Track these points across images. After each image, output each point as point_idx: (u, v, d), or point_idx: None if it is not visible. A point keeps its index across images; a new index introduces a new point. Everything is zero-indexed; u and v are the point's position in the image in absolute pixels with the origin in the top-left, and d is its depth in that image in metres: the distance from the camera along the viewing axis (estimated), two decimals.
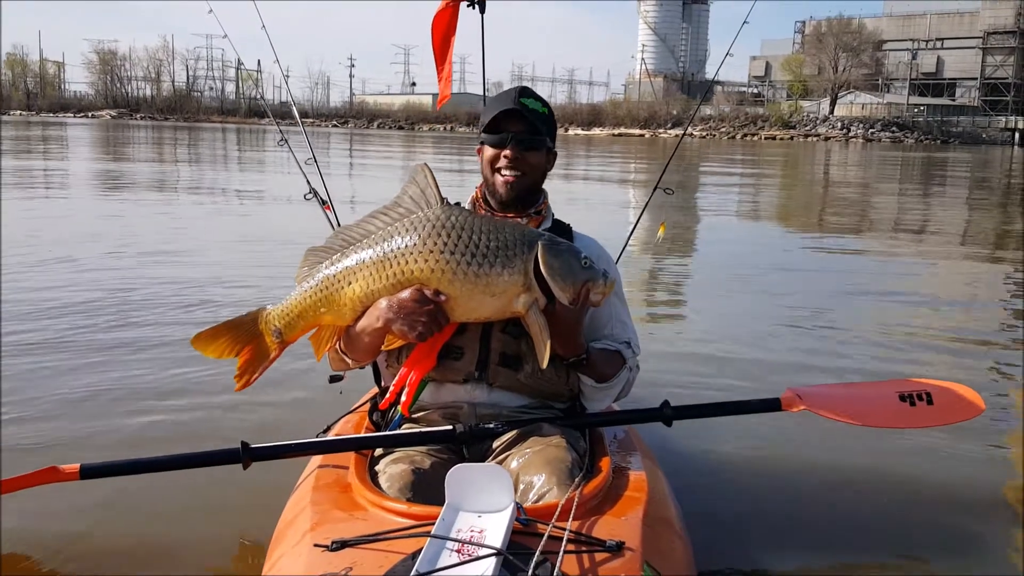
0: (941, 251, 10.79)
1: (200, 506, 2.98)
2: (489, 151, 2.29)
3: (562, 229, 2.39)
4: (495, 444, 2.18)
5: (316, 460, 2.22)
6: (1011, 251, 10.86)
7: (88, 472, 2.12)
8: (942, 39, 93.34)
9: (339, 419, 2.68)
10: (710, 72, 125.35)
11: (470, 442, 2.18)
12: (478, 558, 1.37)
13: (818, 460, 3.55)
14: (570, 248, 2.06)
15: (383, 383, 2.54)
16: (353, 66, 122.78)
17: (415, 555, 1.44)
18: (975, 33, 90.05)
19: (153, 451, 2.54)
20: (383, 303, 2.03)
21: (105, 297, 6.16)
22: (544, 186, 2.39)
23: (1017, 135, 74.20)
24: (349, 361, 2.26)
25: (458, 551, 1.42)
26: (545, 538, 1.44)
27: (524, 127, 2.25)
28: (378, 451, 2.20)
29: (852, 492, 3.31)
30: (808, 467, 3.52)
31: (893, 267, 9.30)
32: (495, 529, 1.47)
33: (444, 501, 1.85)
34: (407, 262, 1.99)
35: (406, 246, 1.99)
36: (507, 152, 2.25)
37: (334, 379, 3.05)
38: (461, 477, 1.56)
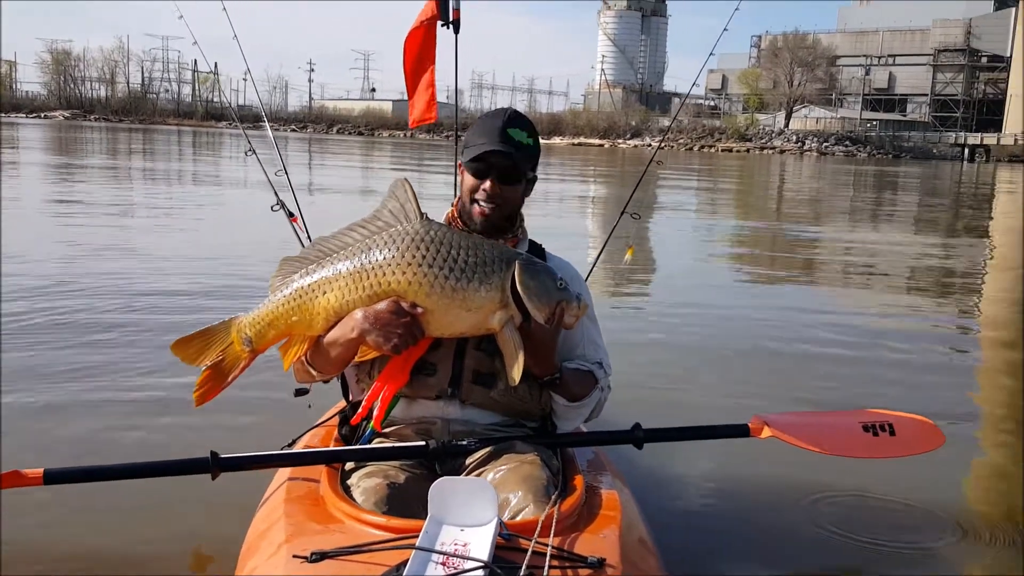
0: (889, 280, 11.00)
1: (165, 515, 2.94)
2: (470, 180, 2.28)
3: (536, 250, 2.41)
4: (468, 461, 2.17)
5: (285, 472, 2.20)
6: (958, 279, 11.11)
7: (52, 477, 2.07)
8: (894, 55, 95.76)
9: (304, 433, 2.66)
10: (668, 84, 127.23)
11: (443, 458, 2.17)
12: (465, 571, 1.38)
13: (782, 483, 3.58)
14: (546, 269, 2.08)
15: (352, 397, 2.53)
16: (312, 70, 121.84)
17: (399, 568, 1.45)
18: (926, 50, 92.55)
19: (105, 458, 2.52)
20: (358, 314, 2.03)
21: (72, 302, 6.06)
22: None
23: (967, 151, 76.15)
24: (315, 373, 2.25)
25: (443, 564, 1.42)
26: (530, 553, 1.45)
27: (507, 163, 2.25)
28: (348, 465, 2.18)
29: (816, 514, 3.34)
30: (772, 490, 3.55)
31: (840, 293, 9.46)
32: (480, 543, 1.47)
33: (418, 515, 1.85)
34: (385, 274, 1.99)
35: (385, 258, 1.99)
36: (486, 185, 2.25)
37: (299, 392, 3.03)
38: (444, 490, 1.57)
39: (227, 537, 2.74)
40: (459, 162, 2.39)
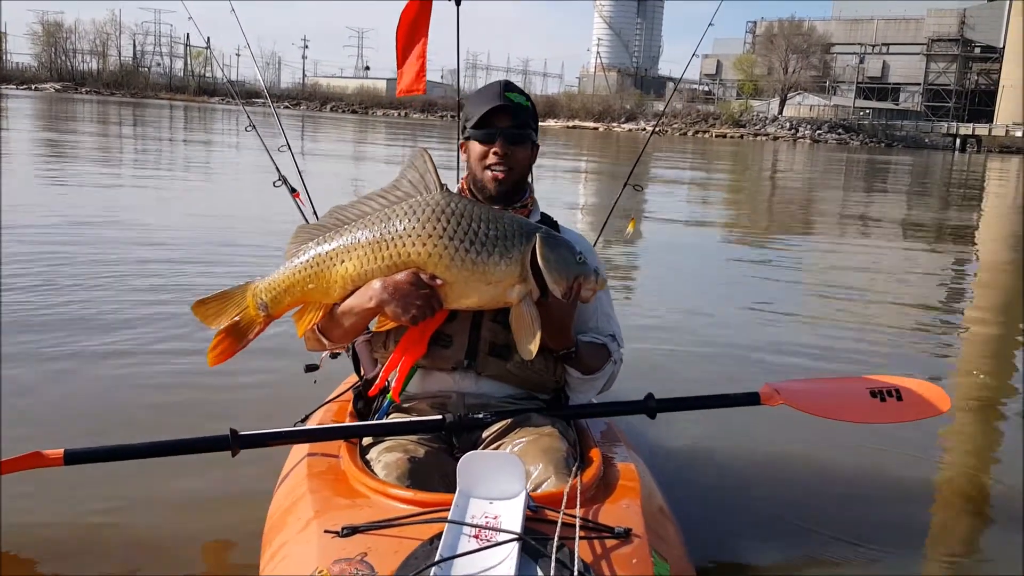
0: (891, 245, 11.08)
1: (183, 491, 2.95)
2: (477, 147, 2.30)
3: (549, 223, 2.42)
4: (485, 434, 2.20)
5: (302, 449, 2.22)
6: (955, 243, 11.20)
7: (73, 457, 2.09)
8: (888, 44, 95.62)
9: (317, 408, 2.67)
10: (663, 68, 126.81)
11: (459, 432, 2.19)
12: (498, 543, 1.40)
13: (790, 452, 3.66)
14: (566, 243, 2.08)
15: (364, 373, 2.55)
16: (306, 47, 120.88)
17: (432, 541, 1.46)
18: (920, 40, 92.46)
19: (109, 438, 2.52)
20: (377, 284, 2.04)
21: (76, 273, 6.05)
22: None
23: (958, 141, 76.32)
24: (326, 343, 2.26)
25: (475, 536, 1.44)
26: (559, 524, 1.47)
27: (511, 122, 2.28)
28: (366, 440, 2.21)
29: (830, 483, 3.43)
30: (781, 458, 3.61)
31: (845, 260, 9.55)
32: (510, 515, 1.49)
33: (438, 489, 1.88)
34: (405, 244, 2.00)
35: (405, 229, 2.00)
36: (496, 148, 2.26)
37: (310, 368, 3.04)
38: (473, 464, 1.58)
39: (245, 514, 2.79)
40: (460, 140, 2.40)
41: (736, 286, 7.73)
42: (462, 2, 3.37)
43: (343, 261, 2.07)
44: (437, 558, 1.39)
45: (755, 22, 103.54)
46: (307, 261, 2.12)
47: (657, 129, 4.70)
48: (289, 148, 3.91)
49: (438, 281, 2.00)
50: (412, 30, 3.40)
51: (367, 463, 2.05)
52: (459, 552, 1.37)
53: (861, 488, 3.39)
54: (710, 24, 4.08)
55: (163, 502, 2.89)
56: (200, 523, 2.80)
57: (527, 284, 2.02)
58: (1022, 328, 7.01)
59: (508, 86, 2.33)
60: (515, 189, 2.34)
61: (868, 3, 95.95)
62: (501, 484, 1.56)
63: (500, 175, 2.28)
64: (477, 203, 2.09)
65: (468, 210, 2.02)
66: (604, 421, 2.46)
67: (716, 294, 7.32)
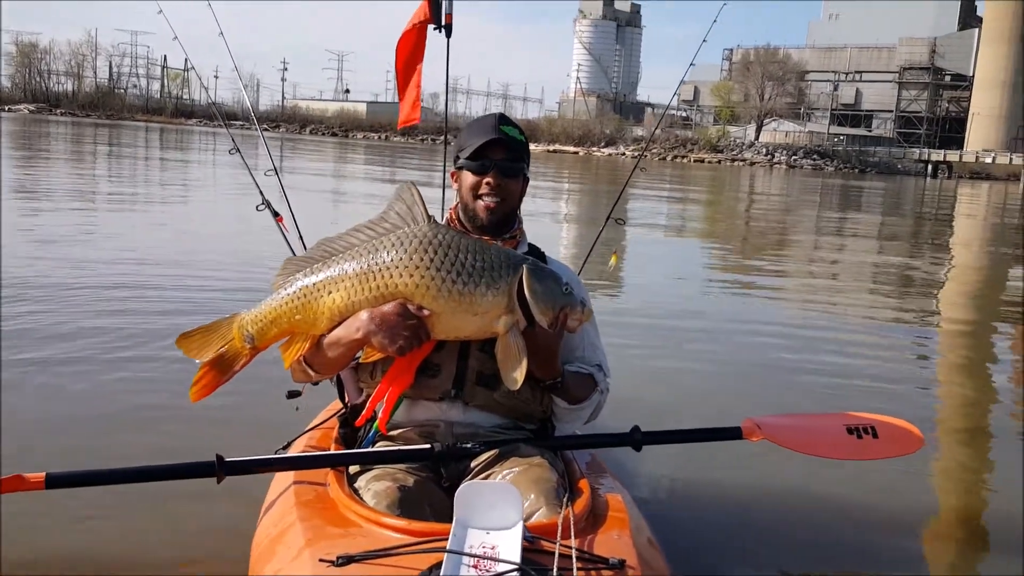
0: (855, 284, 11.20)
1: (164, 517, 2.94)
2: (470, 177, 2.32)
3: (536, 254, 2.44)
4: (473, 464, 2.20)
5: (288, 476, 2.20)
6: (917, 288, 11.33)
7: (54, 481, 2.05)
8: (861, 72, 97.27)
9: (299, 436, 2.66)
10: (641, 94, 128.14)
11: (448, 461, 2.19)
12: (498, 574, 1.39)
13: (769, 483, 3.68)
14: (553, 274, 2.09)
15: (349, 400, 2.54)
16: (286, 69, 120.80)
17: (431, 571, 1.46)
18: (892, 68, 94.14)
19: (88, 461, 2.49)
20: (364, 315, 2.03)
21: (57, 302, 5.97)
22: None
23: (930, 167, 77.52)
24: (312, 374, 2.25)
25: (474, 567, 1.44)
26: (557, 555, 1.47)
27: (505, 155, 2.30)
28: (352, 468, 2.20)
29: (811, 513, 3.46)
30: (760, 489, 3.63)
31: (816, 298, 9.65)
32: (508, 545, 1.49)
33: (428, 518, 1.87)
34: (392, 275, 2.00)
35: (392, 260, 2.00)
36: (489, 179, 2.29)
37: (292, 395, 3.02)
38: (470, 494, 1.58)
39: (225, 540, 2.75)
40: (452, 170, 2.42)
41: (707, 312, 7.80)
42: (452, 34, 3.41)
43: (330, 292, 2.07)
44: None
45: (731, 49, 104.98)
46: (294, 292, 2.11)
47: (639, 164, 4.71)
48: (276, 172, 3.90)
49: (425, 312, 2.00)
50: (411, 61, 3.43)
51: (355, 491, 2.04)
52: None
53: (842, 517, 3.42)
54: (691, 64, 4.16)
55: (142, 527, 2.87)
56: (178, 549, 2.79)
57: (514, 314, 2.03)
58: (994, 350, 7.11)
59: (503, 119, 2.35)
60: (505, 220, 2.36)
61: (841, 31, 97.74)
62: (498, 514, 1.55)
63: (492, 205, 2.30)
64: (464, 234, 2.10)
65: (455, 241, 2.02)
66: (589, 452, 2.47)
67: (690, 319, 7.37)
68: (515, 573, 1.38)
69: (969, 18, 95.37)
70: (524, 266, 2.03)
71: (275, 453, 2.49)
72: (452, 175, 2.42)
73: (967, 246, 17.78)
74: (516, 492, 1.59)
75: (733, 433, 2.54)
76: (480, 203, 2.30)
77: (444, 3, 3.36)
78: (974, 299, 10.26)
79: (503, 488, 1.58)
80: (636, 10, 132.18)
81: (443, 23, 3.38)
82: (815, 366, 5.93)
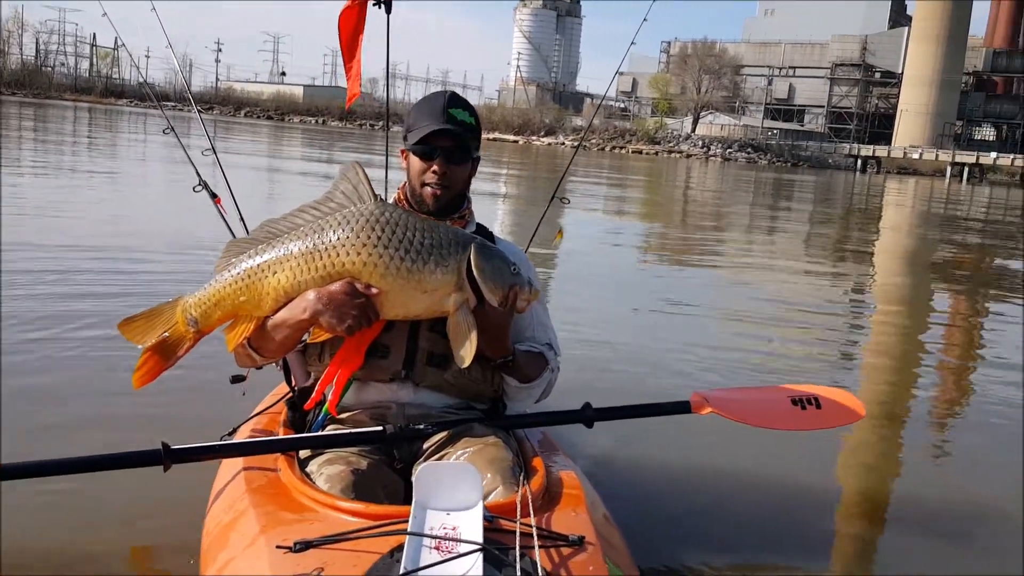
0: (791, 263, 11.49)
1: (105, 507, 2.88)
2: (417, 163, 2.30)
3: (484, 234, 2.43)
4: (426, 445, 2.18)
5: (235, 463, 2.16)
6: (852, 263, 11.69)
7: (6, 473, 1.99)
8: (794, 68, 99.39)
9: (245, 421, 2.61)
10: (580, 84, 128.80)
11: (400, 443, 2.17)
12: (460, 555, 1.39)
13: (715, 456, 3.78)
14: (500, 253, 2.10)
15: (295, 384, 2.50)
16: (220, 50, 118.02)
17: (393, 553, 1.44)
18: (824, 64, 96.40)
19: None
20: (311, 295, 2.01)
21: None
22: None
23: (860, 162, 79.68)
24: (257, 358, 2.22)
25: (436, 548, 1.43)
26: (518, 533, 1.47)
27: (452, 142, 2.27)
28: (303, 453, 2.17)
29: (753, 487, 3.56)
30: (707, 463, 3.73)
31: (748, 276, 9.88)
32: (469, 525, 1.48)
33: (382, 501, 1.86)
34: (339, 254, 1.98)
35: (339, 239, 1.98)
36: (435, 167, 2.27)
37: (236, 379, 2.97)
38: (429, 475, 1.57)
39: (169, 530, 2.69)
40: (402, 148, 2.40)
41: (650, 291, 7.96)
42: (391, 9, 3.36)
43: (275, 273, 2.04)
44: (402, 571, 1.36)
45: (669, 42, 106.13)
46: (238, 274, 2.08)
47: (581, 144, 4.76)
48: (214, 151, 3.80)
49: (373, 290, 1.99)
50: (354, 36, 3.37)
51: (307, 476, 2.01)
52: (423, 564, 1.35)
53: (793, 491, 3.55)
54: (631, 44, 4.19)
55: (89, 517, 2.81)
56: (126, 534, 2.74)
57: (463, 292, 2.02)
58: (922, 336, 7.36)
59: (453, 101, 2.31)
60: (453, 203, 2.34)
61: (776, 27, 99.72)
62: (458, 495, 1.54)
63: (438, 191, 2.28)
64: (411, 213, 2.09)
65: (403, 219, 2.01)
66: (540, 430, 2.48)
67: (633, 300, 7.48)
68: (477, 553, 1.37)
69: (899, 16, 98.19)
70: (472, 244, 2.04)
71: (221, 439, 2.45)
72: (402, 153, 2.39)
73: (896, 230, 18.38)
74: (476, 472, 1.59)
75: (682, 407, 2.61)
76: (427, 190, 2.28)
77: None
78: (904, 277, 10.62)
79: (462, 468, 1.58)
80: (576, 0, 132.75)
81: None
82: (752, 342, 6.09)
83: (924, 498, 3.64)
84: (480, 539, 1.42)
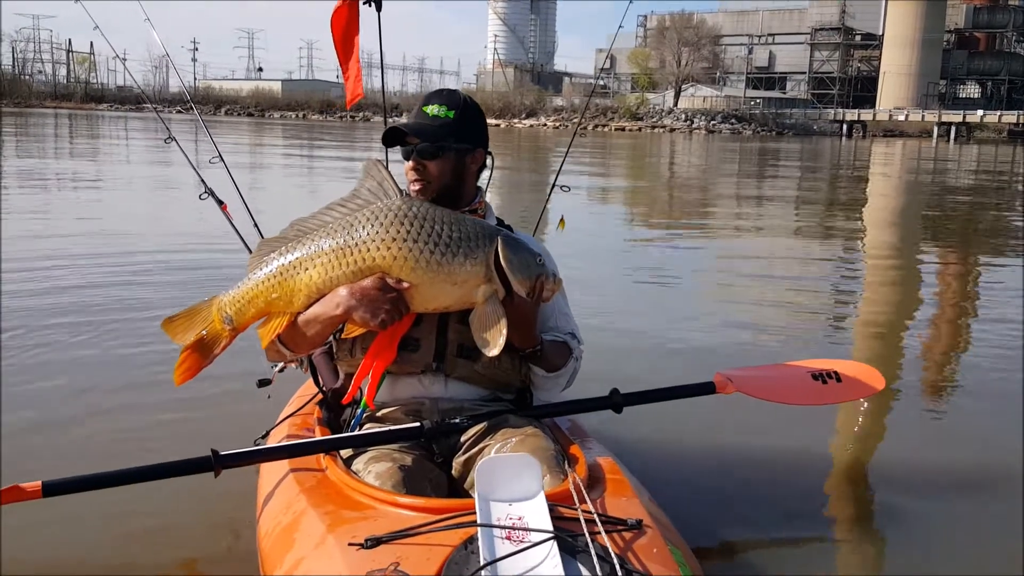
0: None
1: (167, 515, 2.91)
2: (405, 164, 2.34)
3: (503, 227, 2.46)
4: (463, 438, 2.24)
5: (280, 466, 2.21)
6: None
7: (51, 489, 2.01)
8: (773, 35, 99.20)
9: (278, 423, 2.66)
10: (558, 63, 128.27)
11: (437, 438, 2.22)
12: (536, 543, 1.43)
13: (745, 438, 3.82)
14: (526, 245, 2.15)
15: (325, 385, 2.55)
16: (196, 49, 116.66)
17: (466, 545, 1.49)
18: (804, 29, 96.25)
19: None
20: (343, 291, 2.05)
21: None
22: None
23: (845, 127, 79.74)
24: (287, 353, 2.26)
25: (507, 538, 1.47)
26: (582, 520, 1.52)
27: (422, 139, 2.27)
28: (344, 452, 2.22)
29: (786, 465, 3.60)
30: (737, 444, 3.77)
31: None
32: (536, 514, 1.53)
33: (430, 494, 1.92)
34: (370, 249, 2.02)
35: (368, 234, 2.02)
36: (410, 164, 2.30)
37: (262, 383, 3.03)
38: (492, 467, 1.62)
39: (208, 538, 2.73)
40: None
41: (653, 273, 8.00)
42: (382, 7, 3.38)
43: (307, 269, 2.08)
44: (481, 561, 1.41)
45: (646, 16, 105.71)
46: (271, 272, 2.13)
47: (576, 133, 4.78)
48: (222, 159, 3.83)
49: (404, 284, 2.03)
50: (347, 35, 3.39)
51: (355, 474, 2.06)
52: (499, 555, 1.40)
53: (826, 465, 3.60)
54: (620, 27, 4.20)
55: (130, 528, 2.84)
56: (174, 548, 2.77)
57: (492, 284, 2.06)
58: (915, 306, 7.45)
59: (430, 99, 2.33)
60: (447, 197, 2.31)
61: None
62: (519, 485, 1.59)
63: (418, 187, 2.29)
64: (438, 207, 2.12)
65: (430, 213, 2.05)
66: (568, 418, 2.53)
67: (636, 284, 7.53)
68: (551, 541, 1.42)
69: None
70: (499, 236, 2.07)
71: (255, 443, 2.50)
72: None
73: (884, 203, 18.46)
74: (535, 462, 1.64)
75: (707, 388, 2.65)
76: (412, 187, 2.30)
77: None
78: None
79: (522, 459, 1.63)
80: None
81: None
82: (763, 320, 6.15)
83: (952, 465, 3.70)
84: (550, 527, 1.46)
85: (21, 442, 3.51)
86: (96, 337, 5.02)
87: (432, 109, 2.29)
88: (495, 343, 2.05)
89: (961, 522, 3.13)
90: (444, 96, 2.34)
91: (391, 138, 2.29)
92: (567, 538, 1.45)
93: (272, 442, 2.50)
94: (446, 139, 2.29)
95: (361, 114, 76.13)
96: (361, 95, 3.46)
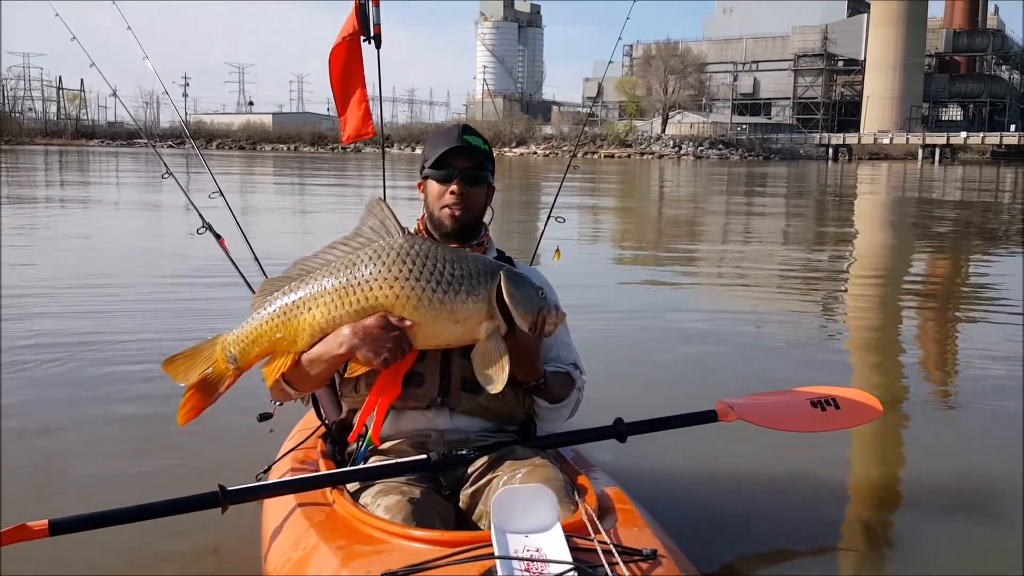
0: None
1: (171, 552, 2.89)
2: (436, 186, 2.37)
3: (505, 260, 2.49)
4: (470, 470, 2.23)
5: (286, 500, 2.21)
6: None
7: (57, 527, 1.99)
8: (757, 62, 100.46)
9: (280, 458, 2.66)
10: (547, 92, 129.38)
11: (444, 470, 2.22)
12: (553, 575, 1.43)
13: (745, 465, 3.81)
14: (527, 279, 2.15)
15: (328, 419, 2.56)
16: (187, 84, 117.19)
17: None
18: (787, 56, 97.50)
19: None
20: (346, 330, 2.06)
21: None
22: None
23: (831, 150, 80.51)
24: (291, 392, 2.27)
25: (526, 570, 1.47)
26: (600, 551, 1.52)
27: (469, 163, 2.36)
28: (351, 486, 2.21)
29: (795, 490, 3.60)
30: (738, 471, 3.76)
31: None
32: (553, 545, 1.52)
33: (439, 527, 1.91)
34: (372, 289, 2.02)
35: (371, 273, 2.03)
36: (453, 187, 2.34)
37: (263, 417, 3.02)
38: (507, 499, 1.61)
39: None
40: (418, 181, 2.47)
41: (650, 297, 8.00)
42: (381, 44, 3.42)
43: (310, 309, 2.09)
44: None
45: (631, 45, 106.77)
46: (274, 311, 2.13)
47: (571, 165, 4.81)
48: (222, 195, 3.83)
49: (407, 323, 2.03)
50: (346, 75, 3.42)
51: (362, 508, 2.05)
52: None
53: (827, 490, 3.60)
54: (610, 61, 4.28)
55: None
56: None
57: (495, 320, 2.07)
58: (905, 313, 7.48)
59: (466, 129, 2.41)
60: (471, 227, 2.41)
61: (737, 23, 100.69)
62: (534, 517, 1.59)
63: (456, 213, 2.34)
64: (439, 244, 2.14)
65: (432, 251, 2.06)
66: (572, 448, 2.53)
67: (637, 310, 7.55)
68: (572, 572, 1.42)
69: (858, 4, 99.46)
70: (501, 272, 2.08)
71: (256, 478, 2.50)
72: (418, 186, 2.46)
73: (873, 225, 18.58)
74: (551, 493, 1.64)
75: (709, 416, 2.66)
76: (446, 211, 2.35)
77: (372, 14, 3.37)
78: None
79: (537, 490, 1.62)
80: (536, 10, 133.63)
81: (372, 34, 3.40)
82: (765, 346, 6.17)
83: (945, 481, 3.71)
84: (569, 558, 1.47)
85: (24, 479, 3.49)
86: (85, 368, 4.99)
87: (473, 139, 2.36)
88: (498, 380, 2.06)
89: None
90: (474, 131, 2.42)
91: (440, 160, 2.34)
92: (587, 569, 1.45)
93: (275, 476, 2.49)
94: (487, 169, 2.40)
95: (353, 145, 76.47)
96: (371, 134, 3.49)
